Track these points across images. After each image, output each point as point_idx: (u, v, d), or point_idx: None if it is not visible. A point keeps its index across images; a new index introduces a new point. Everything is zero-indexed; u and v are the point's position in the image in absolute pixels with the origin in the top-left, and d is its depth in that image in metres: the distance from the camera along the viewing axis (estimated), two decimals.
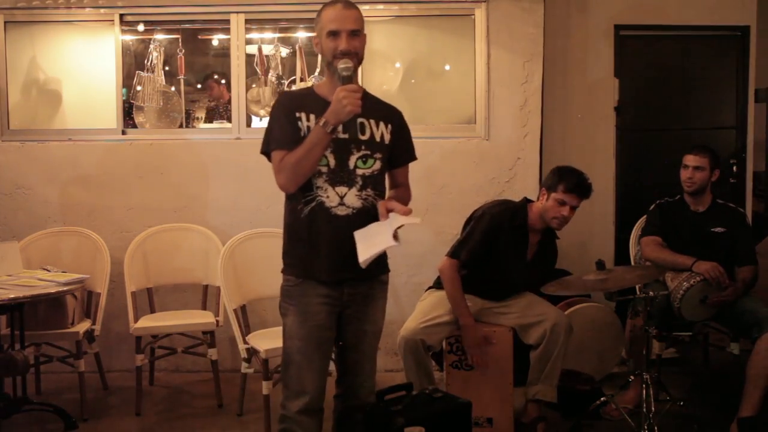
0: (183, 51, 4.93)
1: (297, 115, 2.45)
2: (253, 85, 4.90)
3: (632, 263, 4.18)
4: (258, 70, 4.90)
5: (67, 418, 3.74)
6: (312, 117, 2.44)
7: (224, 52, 5.03)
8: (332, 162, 2.44)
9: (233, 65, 4.67)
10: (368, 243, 2.37)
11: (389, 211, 2.39)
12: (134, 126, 4.83)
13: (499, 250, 3.51)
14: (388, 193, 2.65)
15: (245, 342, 3.74)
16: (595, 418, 3.68)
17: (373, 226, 2.42)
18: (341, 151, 2.45)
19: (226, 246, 4.05)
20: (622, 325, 4.18)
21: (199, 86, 5.65)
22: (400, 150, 2.60)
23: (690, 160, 3.79)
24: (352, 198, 2.45)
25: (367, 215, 2.46)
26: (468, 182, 4.57)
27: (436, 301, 3.59)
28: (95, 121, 4.74)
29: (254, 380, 3.88)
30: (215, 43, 5.35)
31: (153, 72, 4.83)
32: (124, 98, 4.74)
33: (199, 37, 5.25)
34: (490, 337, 3.51)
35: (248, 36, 4.75)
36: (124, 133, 4.71)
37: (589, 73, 5.03)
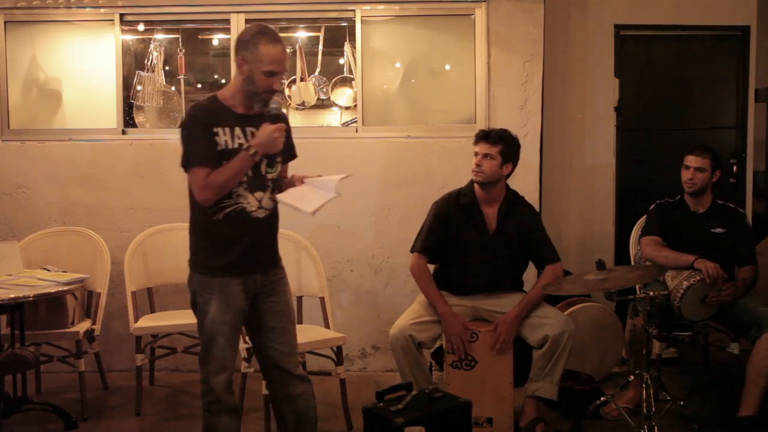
0: (183, 51, 4.93)
1: (214, 130, 2.69)
2: None
3: (632, 263, 4.18)
4: None
5: (67, 418, 3.74)
6: (227, 130, 2.70)
7: (224, 52, 5.03)
8: (250, 171, 2.73)
9: (233, 65, 4.66)
10: (306, 200, 2.75)
11: (302, 180, 2.84)
12: (134, 125, 4.83)
13: (457, 230, 3.62)
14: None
15: (245, 341, 3.73)
16: (595, 418, 3.68)
17: (294, 190, 2.82)
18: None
19: None
20: (622, 325, 4.19)
21: (199, 86, 5.66)
22: (287, 150, 2.90)
23: (691, 160, 3.78)
24: (267, 201, 2.79)
25: (277, 213, 2.87)
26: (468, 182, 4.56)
27: (426, 302, 3.63)
28: (95, 121, 4.74)
29: (254, 380, 3.86)
30: (215, 42, 5.35)
31: (153, 72, 4.84)
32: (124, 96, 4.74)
33: (199, 37, 5.25)
34: (474, 329, 3.52)
35: None
36: (124, 132, 4.71)
37: (589, 73, 5.03)
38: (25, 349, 3.64)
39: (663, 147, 5.08)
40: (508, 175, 3.66)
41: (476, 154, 3.59)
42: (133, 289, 4.18)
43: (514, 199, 3.70)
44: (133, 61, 4.92)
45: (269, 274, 2.86)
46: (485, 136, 3.59)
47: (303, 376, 2.92)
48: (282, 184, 2.88)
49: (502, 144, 3.57)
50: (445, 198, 3.73)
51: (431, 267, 3.74)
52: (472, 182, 3.67)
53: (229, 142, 2.69)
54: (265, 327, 2.86)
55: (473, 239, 3.62)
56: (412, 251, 3.69)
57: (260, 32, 2.69)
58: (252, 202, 2.74)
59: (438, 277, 3.69)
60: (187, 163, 2.70)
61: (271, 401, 3.00)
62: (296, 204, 2.75)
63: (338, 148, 4.58)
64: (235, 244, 2.74)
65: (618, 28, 5.00)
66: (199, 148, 2.66)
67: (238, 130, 2.72)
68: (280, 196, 2.81)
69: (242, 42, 2.72)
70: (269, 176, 2.79)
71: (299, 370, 2.91)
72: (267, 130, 2.69)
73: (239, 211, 2.72)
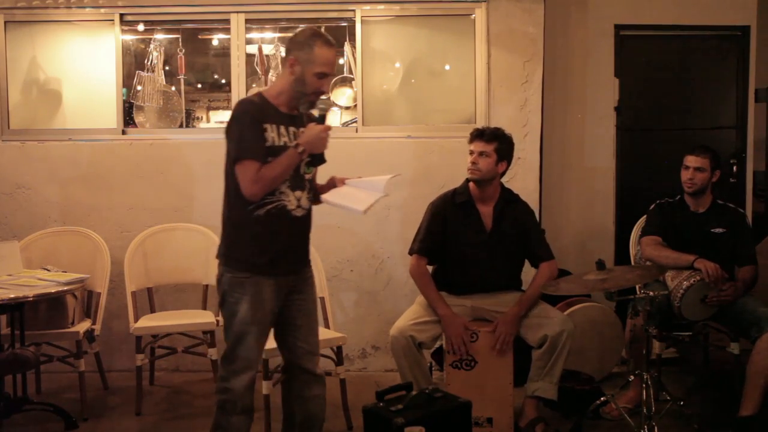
0: (183, 51, 4.93)
1: (264, 126, 2.71)
2: (254, 85, 4.90)
3: (632, 263, 4.18)
4: (258, 70, 4.91)
5: (67, 418, 3.74)
6: (274, 128, 2.73)
7: (224, 52, 5.03)
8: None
9: (233, 65, 4.67)
10: (354, 199, 2.81)
11: (342, 181, 2.92)
12: (134, 125, 4.83)
13: (453, 230, 3.65)
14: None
15: None
16: (595, 418, 3.68)
17: (338, 191, 2.88)
18: None
19: None
20: (622, 325, 4.19)
21: (199, 86, 5.65)
22: (319, 154, 2.89)
23: (691, 160, 3.79)
24: (305, 200, 2.82)
25: (311, 213, 2.89)
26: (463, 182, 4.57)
27: (426, 302, 3.63)
28: (95, 121, 4.74)
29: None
30: (215, 42, 5.35)
31: (153, 72, 4.84)
32: (124, 98, 4.74)
33: (199, 36, 5.25)
34: (474, 330, 3.53)
35: (248, 36, 4.76)
36: (124, 132, 4.71)
37: (589, 73, 5.03)
38: (25, 349, 3.65)
39: (663, 147, 5.08)
40: (503, 174, 3.68)
41: (471, 152, 3.61)
42: (133, 289, 4.18)
43: (509, 198, 3.71)
44: (133, 61, 4.92)
45: (302, 273, 2.90)
46: (480, 135, 3.62)
47: (321, 378, 2.94)
48: (315, 186, 2.91)
49: (497, 142, 3.60)
50: (440, 198, 3.74)
51: (430, 268, 3.74)
52: (467, 181, 3.70)
53: (276, 139, 2.71)
54: (293, 324, 2.88)
55: (470, 238, 3.63)
56: (410, 253, 3.69)
57: (315, 34, 2.74)
58: (292, 200, 2.76)
59: (436, 277, 3.69)
60: (238, 156, 2.69)
61: (282, 397, 2.99)
62: (345, 203, 2.81)
63: (338, 148, 4.51)
64: (272, 243, 2.75)
65: (618, 28, 5.00)
66: (251, 143, 2.67)
67: (283, 129, 2.75)
68: (325, 197, 2.87)
69: (296, 43, 2.75)
70: (306, 176, 2.82)
71: (320, 370, 2.94)
72: (315, 129, 2.72)
73: (281, 208, 2.74)
